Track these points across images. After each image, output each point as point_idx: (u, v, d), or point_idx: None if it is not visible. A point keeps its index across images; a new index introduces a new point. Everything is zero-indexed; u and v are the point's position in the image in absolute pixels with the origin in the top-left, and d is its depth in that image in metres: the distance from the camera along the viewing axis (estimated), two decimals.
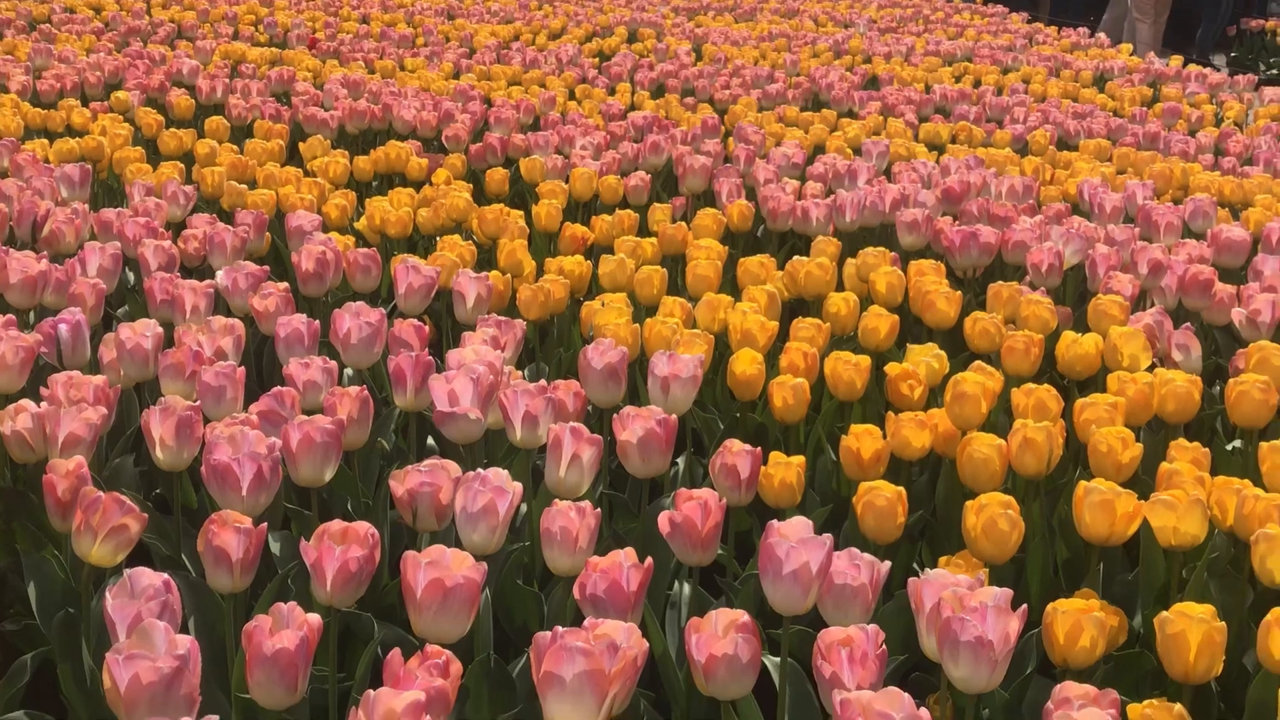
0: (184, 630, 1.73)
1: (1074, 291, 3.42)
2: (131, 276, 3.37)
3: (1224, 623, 1.68)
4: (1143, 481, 2.19)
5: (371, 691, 1.30)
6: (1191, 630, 1.66)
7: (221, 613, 1.83)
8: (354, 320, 2.44)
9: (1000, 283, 3.06)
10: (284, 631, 1.46)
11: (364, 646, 1.86)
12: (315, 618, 1.49)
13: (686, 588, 2.04)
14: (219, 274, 2.86)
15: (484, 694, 1.79)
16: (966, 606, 1.49)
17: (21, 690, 1.88)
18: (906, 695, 1.30)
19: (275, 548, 2.15)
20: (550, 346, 3.08)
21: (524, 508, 2.21)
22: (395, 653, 1.42)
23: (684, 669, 1.86)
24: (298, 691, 1.47)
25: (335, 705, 1.70)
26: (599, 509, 1.81)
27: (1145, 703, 1.58)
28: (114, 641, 1.45)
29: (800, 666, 1.78)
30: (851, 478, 2.25)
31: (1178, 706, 1.57)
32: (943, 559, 2.02)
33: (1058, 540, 2.24)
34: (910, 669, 1.99)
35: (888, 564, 1.68)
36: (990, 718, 1.88)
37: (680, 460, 2.54)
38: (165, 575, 1.56)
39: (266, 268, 2.91)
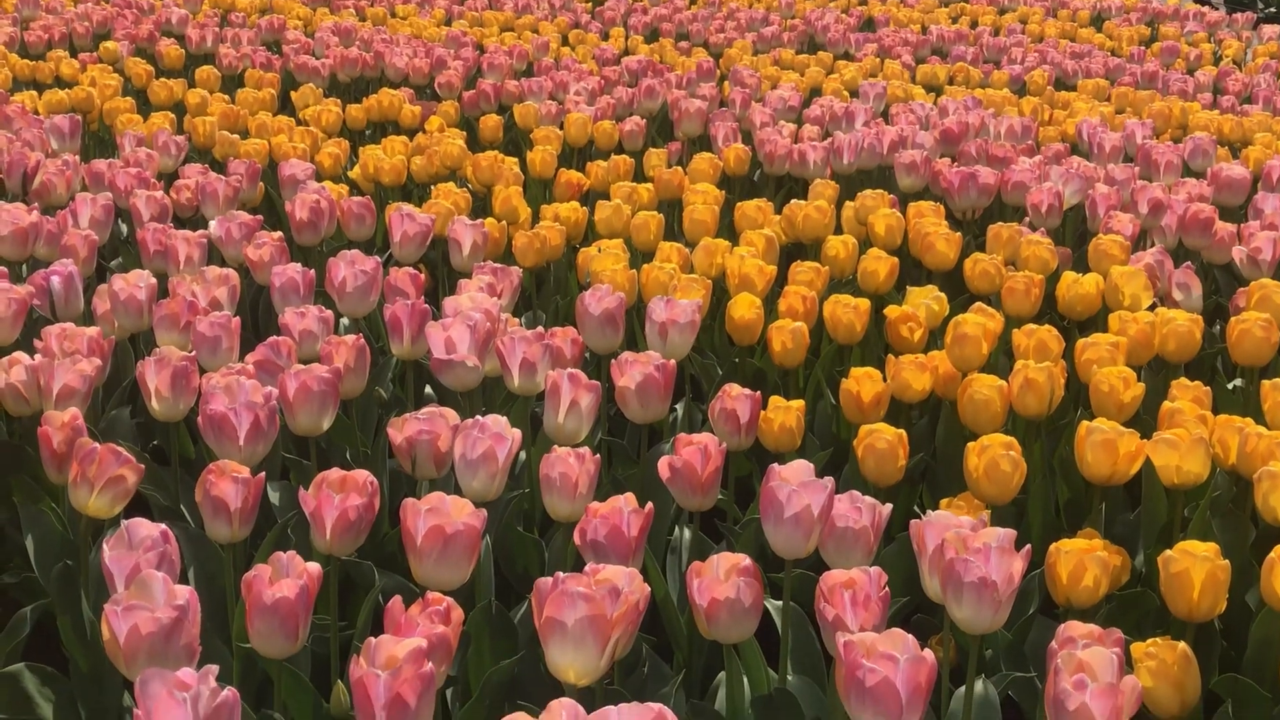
0: (184, 581, 1.73)
1: (1074, 232, 3.40)
2: (124, 228, 3.35)
3: (1227, 561, 1.68)
4: (1144, 421, 2.18)
5: (373, 639, 1.29)
6: (1195, 569, 1.65)
7: (222, 563, 1.83)
8: (349, 268, 2.42)
9: (1000, 224, 3.04)
10: (284, 580, 1.45)
11: (365, 595, 1.85)
12: (315, 566, 1.48)
13: (687, 533, 2.03)
14: (212, 224, 2.84)
15: (486, 640, 1.79)
16: (970, 548, 1.48)
17: (23, 643, 1.88)
18: (910, 636, 1.29)
19: (275, 498, 2.15)
20: (547, 294, 3.06)
21: (523, 455, 2.20)
22: (396, 600, 1.41)
23: (686, 613, 1.86)
24: (298, 640, 1.46)
25: (337, 654, 1.70)
26: (598, 455, 1.80)
27: (1149, 641, 1.57)
28: (112, 593, 1.44)
29: (803, 610, 1.78)
30: (852, 421, 2.24)
31: (1181, 645, 1.57)
32: (944, 501, 2.01)
33: (1059, 481, 2.23)
34: (912, 611, 1.99)
35: (889, 506, 1.67)
36: (993, 658, 1.88)
37: (679, 406, 2.53)
38: (163, 526, 1.55)
39: (260, 217, 2.89)
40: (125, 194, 3.08)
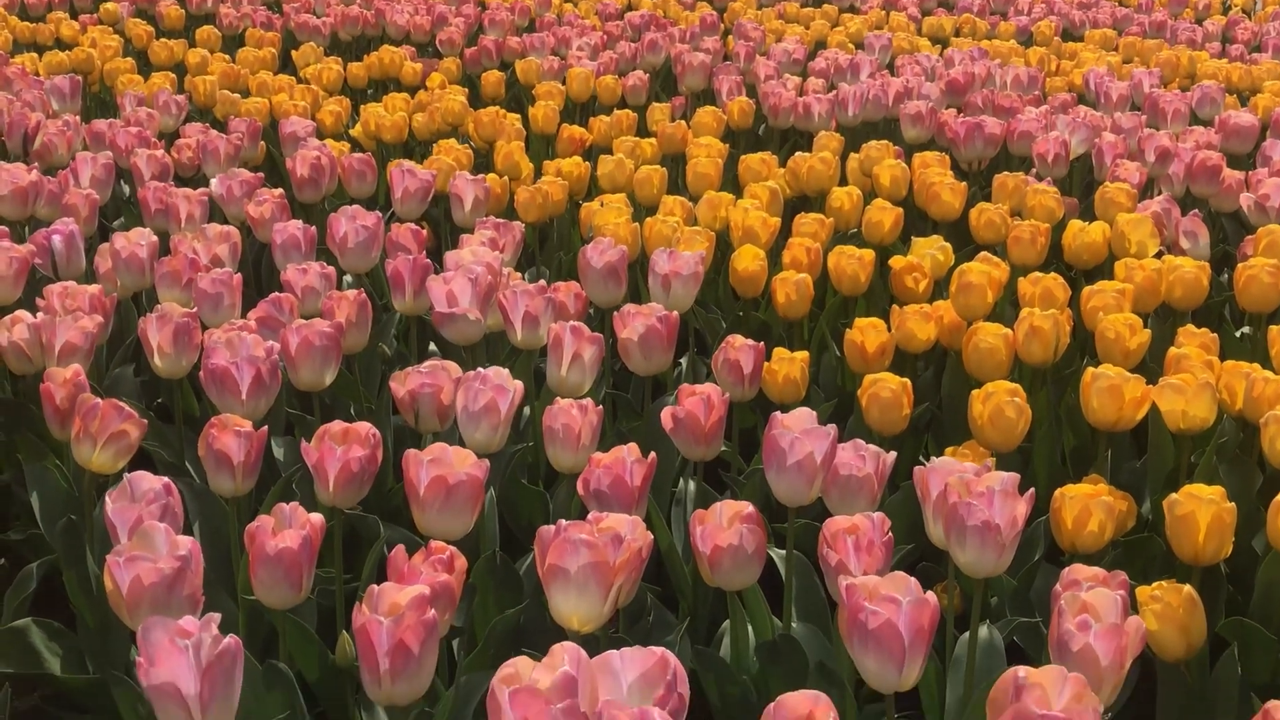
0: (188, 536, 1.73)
1: (1081, 181, 3.38)
2: (126, 188, 3.34)
3: (1233, 503, 1.67)
4: (1150, 369, 2.17)
5: (375, 586, 1.29)
6: (1200, 511, 1.64)
7: (226, 518, 1.83)
8: (350, 224, 2.42)
9: (1006, 173, 3.02)
10: (286, 531, 1.45)
11: (371, 548, 1.85)
12: (318, 517, 1.48)
13: (692, 484, 2.03)
14: (213, 182, 2.83)
15: (491, 591, 1.79)
16: (973, 491, 1.47)
17: (29, 598, 1.88)
18: (913, 579, 1.29)
19: (279, 453, 2.15)
20: (550, 250, 3.05)
21: (527, 410, 2.19)
22: (399, 549, 1.41)
23: (690, 563, 1.86)
24: (302, 590, 1.46)
25: (342, 605, 1.70)
26: (601, 407, 1.80)
27: (1154, 584, 1.57)
28: (115, 545, 1.44)
29: (808, 560, 1.78)
30: (856, 371, 2.23)
31: (1186, 588, 1.56)
32: (949, 449, 2.01)
33: (1065, 428, 2.22)
34: (917, 559, 1.98)
35: (893, 454, 1.67)
36: (999, 605, 1.88)
37: (683, 360, 2.52)
38: (165, 479, 1.55)
39: (261, 175, 2.88)
40: (126, 153, 3.08)
